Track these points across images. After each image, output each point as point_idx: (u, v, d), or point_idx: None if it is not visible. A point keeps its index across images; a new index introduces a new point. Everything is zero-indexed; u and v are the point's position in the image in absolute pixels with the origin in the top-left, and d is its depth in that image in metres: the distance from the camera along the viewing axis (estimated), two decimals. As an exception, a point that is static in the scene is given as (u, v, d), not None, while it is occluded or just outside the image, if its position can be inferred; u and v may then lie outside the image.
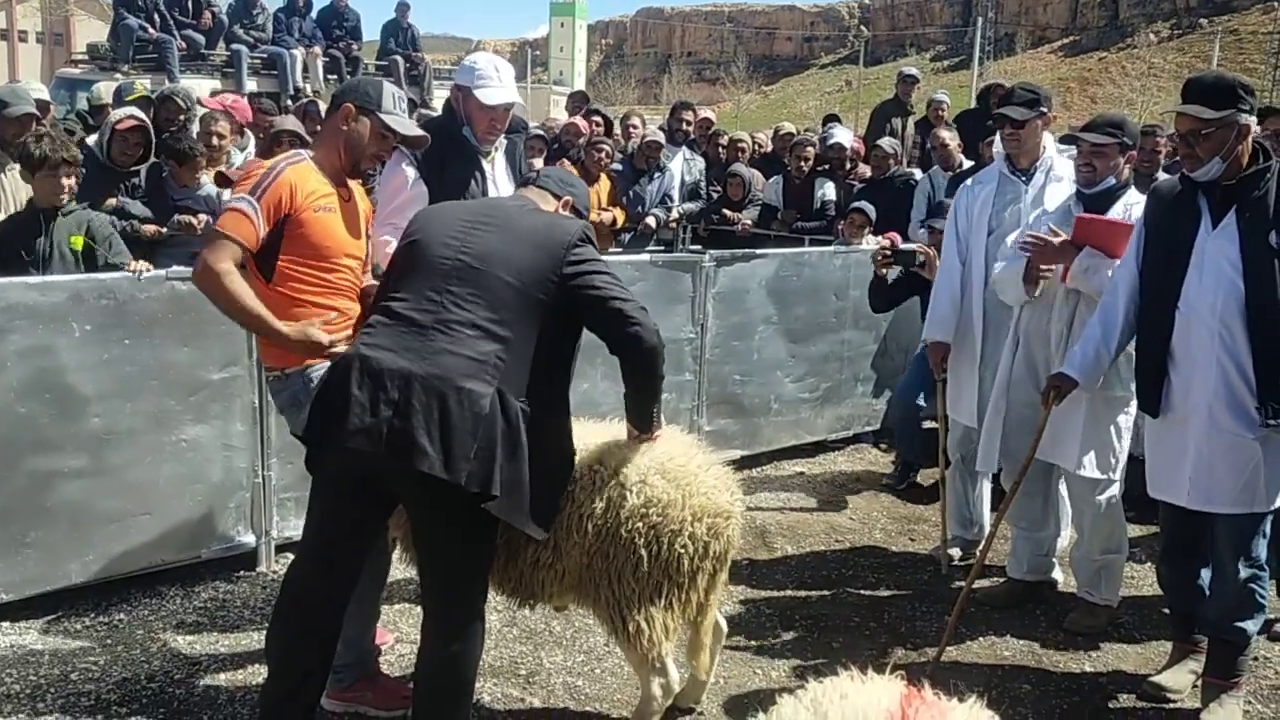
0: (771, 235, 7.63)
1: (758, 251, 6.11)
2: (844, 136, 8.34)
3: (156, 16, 11.70)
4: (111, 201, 5.41)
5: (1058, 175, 4.48)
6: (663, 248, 7.50)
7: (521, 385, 2.79)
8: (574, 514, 3.00)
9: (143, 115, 5.87)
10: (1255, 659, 3.88)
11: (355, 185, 3.34)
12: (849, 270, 6.24)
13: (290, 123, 6.03)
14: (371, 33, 14.69)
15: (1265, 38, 66.47)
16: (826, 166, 8.01)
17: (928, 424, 5.82)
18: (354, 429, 2.67)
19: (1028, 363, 4.19)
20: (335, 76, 12.80)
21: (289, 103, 10.76)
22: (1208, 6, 76.69)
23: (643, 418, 3.05)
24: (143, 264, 4.23)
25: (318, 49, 12.88)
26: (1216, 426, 3.33)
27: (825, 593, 4.52)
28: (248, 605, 4.15)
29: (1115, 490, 4.12)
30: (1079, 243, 3.89)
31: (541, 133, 8.54)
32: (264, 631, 3.26)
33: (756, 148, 9.04)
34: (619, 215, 7.57)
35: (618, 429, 3.18)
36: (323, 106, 6.94)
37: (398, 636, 3.91)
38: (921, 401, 5.69)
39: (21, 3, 56.73)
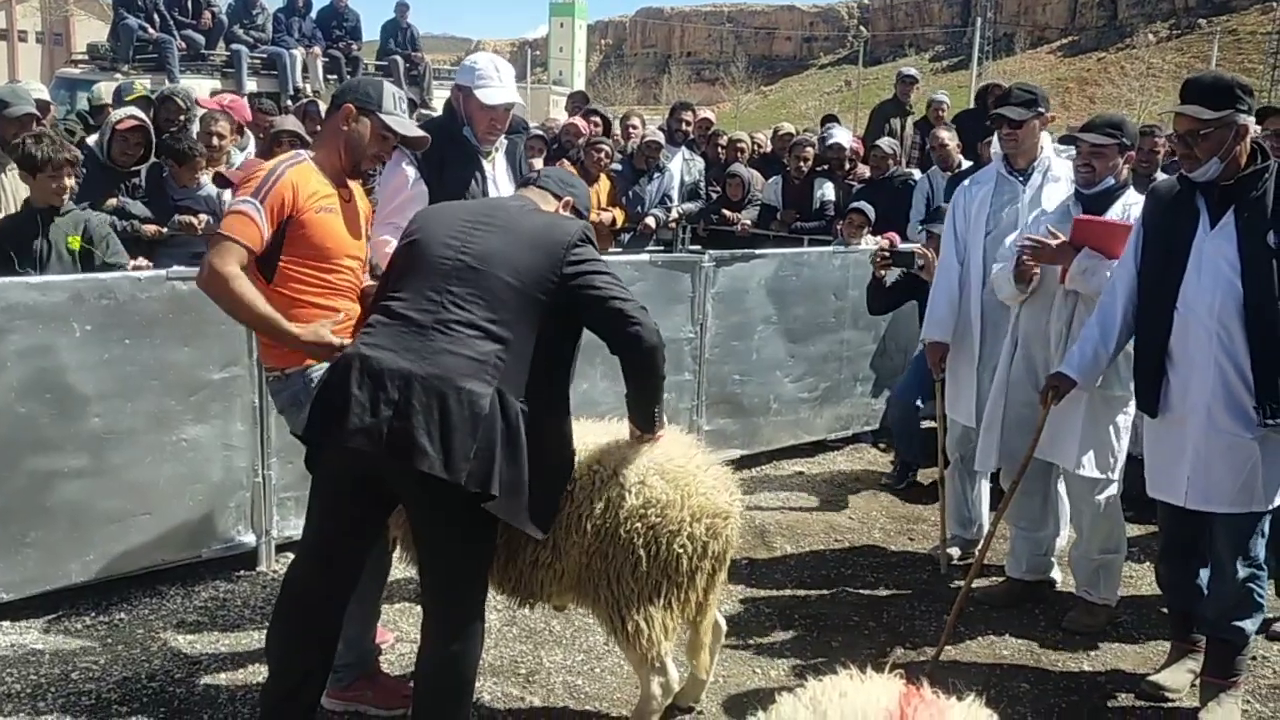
0: (771, 235, 7.64)
1: (757, 252, 6.12)
2: (843, 137, 8.35)
3: (156, 16, 11.70)
4: (112, 201, 5.43)
5: (1055, 175, 4.49)
6: (662, 248, 7.51)
7: (521, 385, 2.79)
8: (573, 514, 3.01)
9: (143, 115, 5.88)
10: (1253, 658, 3.89)
11: (355, 185, 3.35)
12: (848, 270, 6.24)
13: (290, 123, 6.03)
14: (371, 33, 14.72)
15: (1264, 38, 66.54)
16: (825, 167, 8.02)
17: (926, 424, 5.83)
18: (354, 429, 2.67)
19: (1026, 362, 4.19)
20: (335, 77, 12.79)
21: (289, 103, 10.75)
22: (1206, 7, 76.74)
23: (645, 418, 3.06)
24: (141, 261, 4.24)
25: (317, 49, 12.88)
26: (1215, 426, 3.34)
27: (824, 592, 4.53)
28: (248, 605, 4.15)
29: (1114, 490, 4.13)
30: (1077, 244, 3.90)
31: (541, 133, 8.54)
32: (264, 631, 3.27)
33: (756, 148, 9.05)
34: (619, 215, 7.58)
35: (617, 429, 3.19)
36: (322, 107, 6.95)
37: (398, 635, 3.91)
38: (920, 402, 5.70)
39: (21, 3, 56.70)
